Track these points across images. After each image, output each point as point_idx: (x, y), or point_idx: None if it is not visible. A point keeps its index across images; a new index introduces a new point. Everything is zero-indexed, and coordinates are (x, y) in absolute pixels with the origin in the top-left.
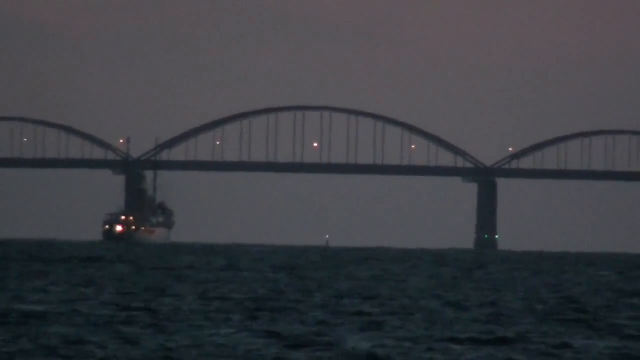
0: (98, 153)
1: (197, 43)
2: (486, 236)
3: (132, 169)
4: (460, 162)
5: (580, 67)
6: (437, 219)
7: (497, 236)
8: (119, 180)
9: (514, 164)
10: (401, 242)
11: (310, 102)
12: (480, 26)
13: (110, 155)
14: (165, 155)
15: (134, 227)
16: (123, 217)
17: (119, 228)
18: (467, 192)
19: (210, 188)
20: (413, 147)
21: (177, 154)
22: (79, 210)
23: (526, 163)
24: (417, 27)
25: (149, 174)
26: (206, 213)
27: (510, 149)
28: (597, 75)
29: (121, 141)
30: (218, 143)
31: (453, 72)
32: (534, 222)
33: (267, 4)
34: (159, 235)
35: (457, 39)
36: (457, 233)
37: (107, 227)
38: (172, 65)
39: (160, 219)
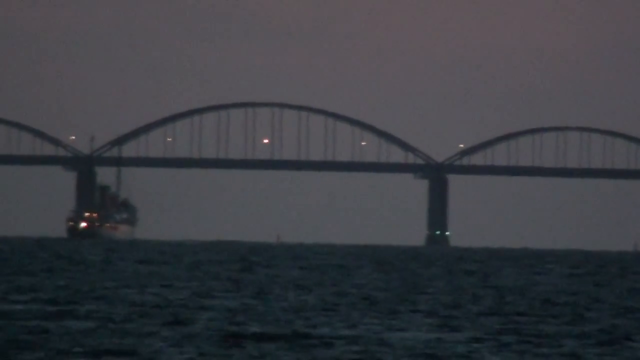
0: (48, 149)
1: (146, 40)
2: (437, 232)
3: (89, 166)
4: (411, 159)
5: (531, 63)
6: (388, 215)
7: (448, 232)
8: (71, 176)
9: (465, 160)
10: (352, 239)
11: (261, 99)
12: (431, 22)
13: (61, 152)
14: (115, 152)
15: (97, 224)
16: (87, 214)
17: (83, 224)
18: (418, 189)
19: (162, 185)
20: (364, 143)
21: (128, 150)
22: (33, 206)
23: (477, 159)
24: (367, 23)
25: (104, 170)
26: (166, 209)
27: (461, 145)
28: (548, 71)
29: (72, 137)
30: (169, 139)
31: (403, 68)
32: (484, 218)
33: (215, 0)
34: (122, 232)
35: (408, 35)
36: (408, 229)
37: (71, 223)
38: (122, 62)
39: (124, 216)
